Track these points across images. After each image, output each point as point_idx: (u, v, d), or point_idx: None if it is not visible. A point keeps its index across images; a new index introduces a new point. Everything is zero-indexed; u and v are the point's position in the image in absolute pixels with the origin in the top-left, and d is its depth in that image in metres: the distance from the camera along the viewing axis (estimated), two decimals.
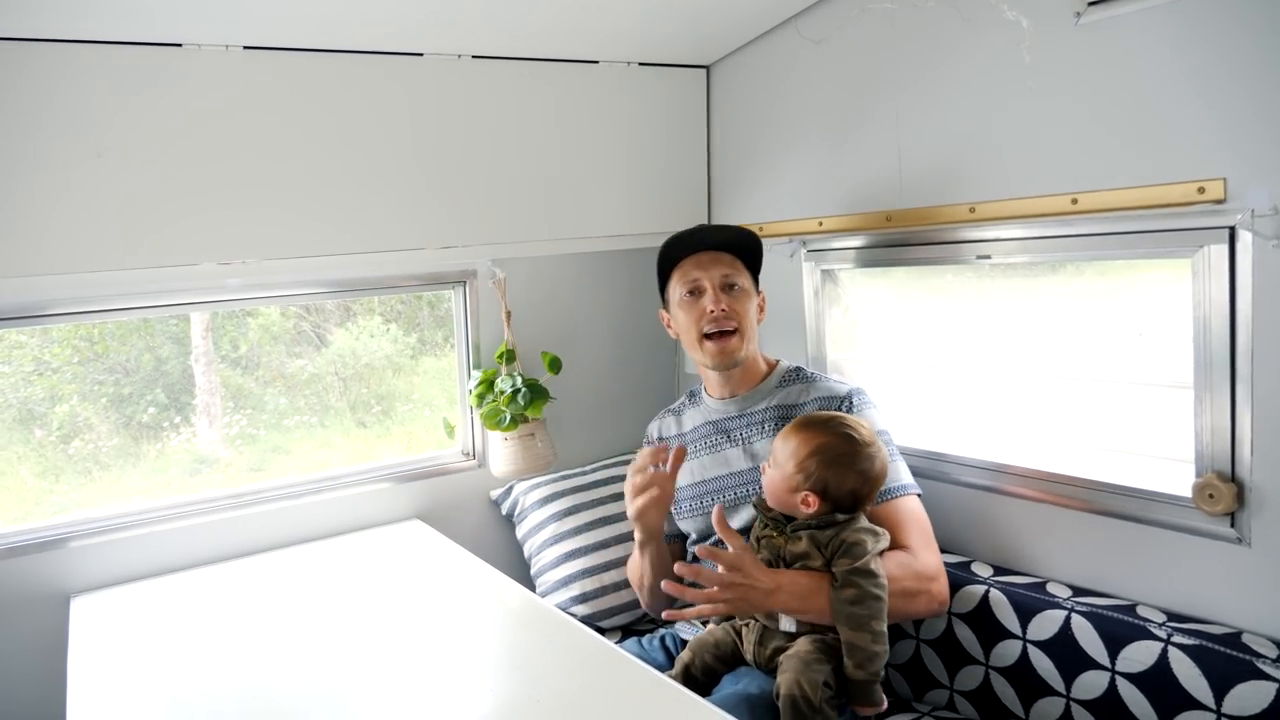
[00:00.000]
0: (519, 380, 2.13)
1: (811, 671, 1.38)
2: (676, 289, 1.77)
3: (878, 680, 1.40)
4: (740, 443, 1.73)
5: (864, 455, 1.45)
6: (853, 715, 1.43)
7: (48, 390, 2.31)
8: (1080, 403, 1.73)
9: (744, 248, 1.77)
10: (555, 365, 2.24)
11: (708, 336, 1.71)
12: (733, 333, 1.70)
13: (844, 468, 1.44)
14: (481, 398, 2.19)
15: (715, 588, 1.39)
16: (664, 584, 1.45)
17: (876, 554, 1.43)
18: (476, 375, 2.22)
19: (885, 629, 1.40)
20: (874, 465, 1.46)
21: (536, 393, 2.14)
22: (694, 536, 1.80)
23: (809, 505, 1.45)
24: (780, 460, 1.49)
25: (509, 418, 2.12)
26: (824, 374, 1.74)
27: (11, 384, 2.21)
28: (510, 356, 2.21)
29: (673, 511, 1.82)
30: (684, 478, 1.78)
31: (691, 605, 1.42)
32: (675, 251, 1.78)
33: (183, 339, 2.59)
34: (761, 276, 1.83)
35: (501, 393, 2.14)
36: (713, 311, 1.69)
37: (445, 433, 2.35)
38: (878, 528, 1.47)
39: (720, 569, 1.41)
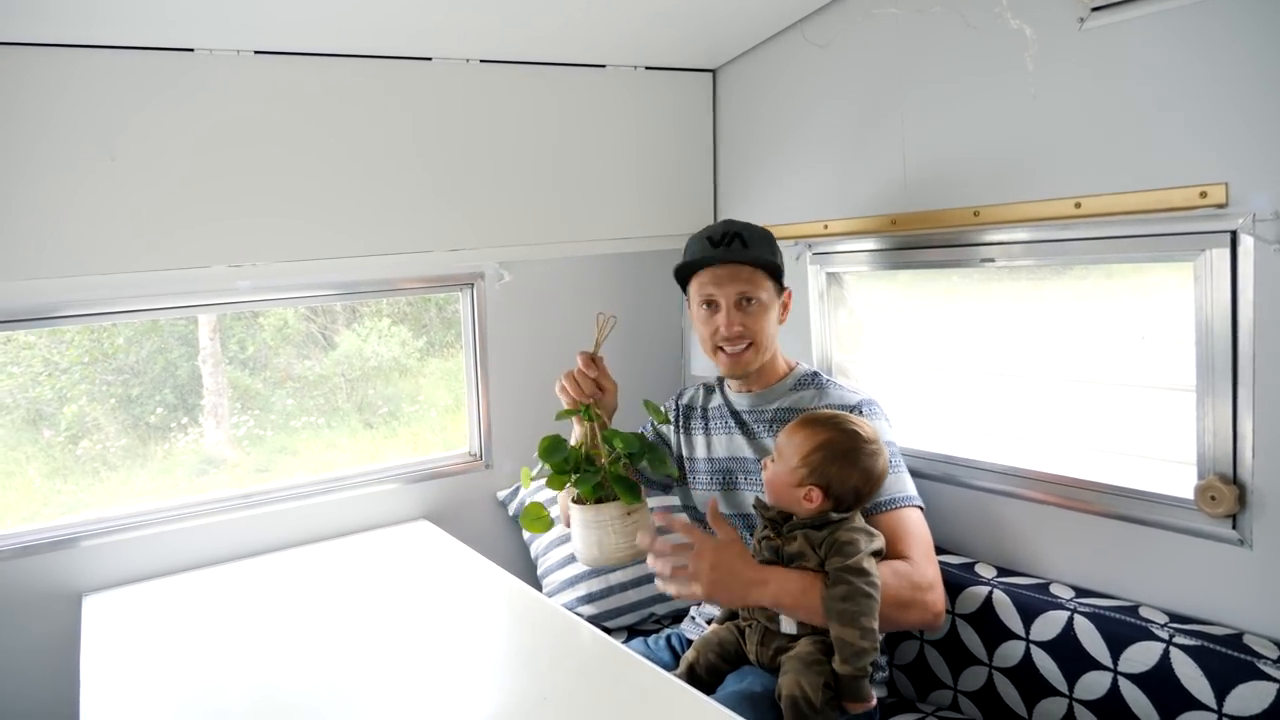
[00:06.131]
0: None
1: (813, 672, 1.39)
2: (694, 296, 1.74)
3: (865, 676, 1.40)
4: (749, 435, 1.74)
5: (867, 452, 1.47)
6: (850, 717, 1.44)
7: (56, 391, 2.33)
8: (1084, 405, 1.74)
9: (761, 263, 1.68)
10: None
11: (721, 348, 1.71)
12: (748, 347, 1.69)
13: (848, 464, 1.46)
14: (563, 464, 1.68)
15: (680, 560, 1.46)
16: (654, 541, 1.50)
17: (869, 553, 1.44)
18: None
19: (875, 627, 1.40)
20: (876, 463, 1.48)
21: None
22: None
23: (812, 500, 1.46)
24: (785, 455, 1.50)
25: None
26: (838, 382, 1.73)
27: (20, 384, 2.23)
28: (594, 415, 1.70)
29: (689, 485, 1.83)
30: (701, 450, 1.82)
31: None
32: (692, 267, 1.72)
33: (191, 340, 2.61)
34: None
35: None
36: (724, 332, 1.67)
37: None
38: (872, 529, 1.48)
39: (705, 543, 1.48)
